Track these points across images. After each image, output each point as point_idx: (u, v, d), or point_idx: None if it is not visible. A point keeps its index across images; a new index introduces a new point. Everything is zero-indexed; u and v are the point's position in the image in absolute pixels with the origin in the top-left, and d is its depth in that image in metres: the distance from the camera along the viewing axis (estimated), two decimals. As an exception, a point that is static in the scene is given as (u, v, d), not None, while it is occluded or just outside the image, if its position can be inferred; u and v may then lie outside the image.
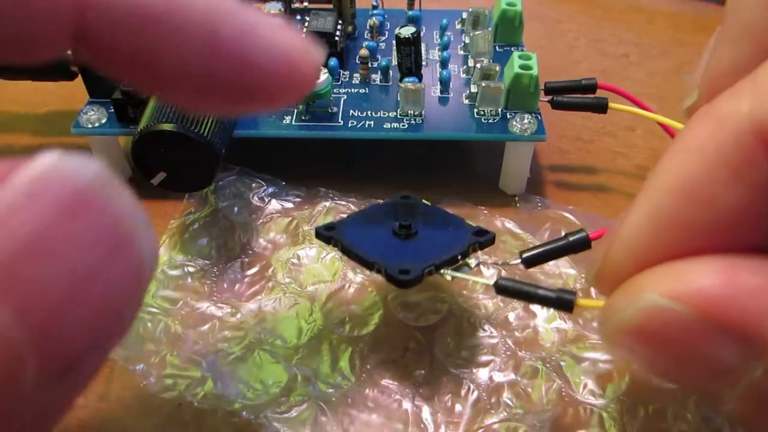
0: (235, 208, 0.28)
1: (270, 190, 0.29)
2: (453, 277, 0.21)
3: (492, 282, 0.18)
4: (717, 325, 0.13)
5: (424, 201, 0.24)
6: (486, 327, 0.24)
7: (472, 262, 0.21)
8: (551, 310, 0.24)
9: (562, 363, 0.23)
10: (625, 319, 0.14)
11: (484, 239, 0.22)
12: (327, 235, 0.22)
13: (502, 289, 0.18)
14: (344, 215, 0.28)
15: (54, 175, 0.10)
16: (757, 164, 0.13)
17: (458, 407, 0.21)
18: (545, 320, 0.24)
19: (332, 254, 0.26)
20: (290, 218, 0.28)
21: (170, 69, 0.13)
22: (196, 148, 0.24)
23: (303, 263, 0.26)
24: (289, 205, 0.28)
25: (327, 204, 0.28)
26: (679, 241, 0.14)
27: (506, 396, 0.22)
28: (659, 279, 0.14)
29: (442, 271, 0.21)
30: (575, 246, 0.19)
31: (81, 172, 0.11)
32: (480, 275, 0.24)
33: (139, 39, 0.13)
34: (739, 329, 0.13)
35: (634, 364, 0.16)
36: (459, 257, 0.21)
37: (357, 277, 0.25)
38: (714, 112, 0.14)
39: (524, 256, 0.20)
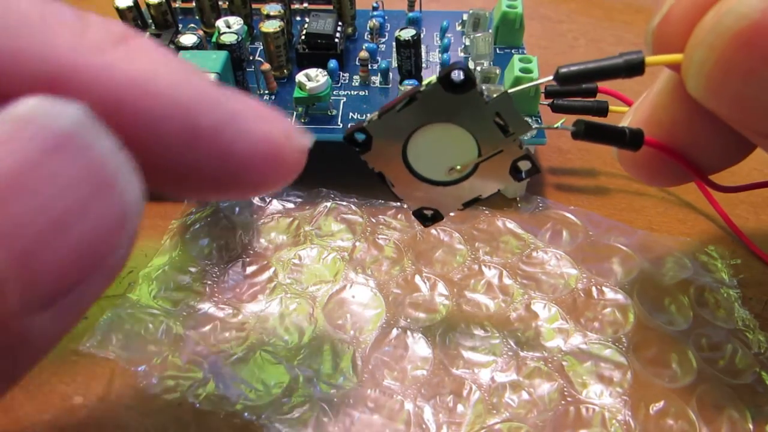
0: (236, 209, 0.28)
1: (271, 190, 0.29)
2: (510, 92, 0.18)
3: (551, 78, 0.18)
4: None
5: None
6: (488, 327, 0.24)
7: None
8: (552, 309, 0.24)
9: (564, 363, 0.23)
10: (742, 15, 0.14)
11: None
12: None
13: (564, 78, 0.17)
14: (347, 215, 0.28)
15: (34, 117, 0.11)
16: None
17: (460, 408, 0.21)
18: (547, 320, 0.24)
19: (333, 254, 0.26)
20: (291, 218, 0.28)
21: (148, 157, 0.13)
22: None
23: (304, 264, 0.26)
24: (290, 205, 0.28)
25: (328, 204, 0.28)
26: None
27: (508, 396, 0.22)
28: None
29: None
30: (629, 67, 0.17)
31: (62, 114, 0.11)
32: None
33: (116, 125, 0.12)
34: None
35: (721, 98, 0.16)
36: None
37: (359, 278, 0.25)
38: None
39: (560, 71, 0.17)
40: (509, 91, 0.18)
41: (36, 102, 0.11)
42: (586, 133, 0.19)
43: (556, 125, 0.19)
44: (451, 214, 0.21)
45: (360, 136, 0.19)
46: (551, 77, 0.18)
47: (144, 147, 0.13)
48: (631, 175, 0.23)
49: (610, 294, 0.25)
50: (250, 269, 0.26)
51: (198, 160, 0.14)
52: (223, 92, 0.14)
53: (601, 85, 0.29)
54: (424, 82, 0.18)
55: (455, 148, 0.19)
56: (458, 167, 0.19)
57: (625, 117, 0.22)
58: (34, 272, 0.10)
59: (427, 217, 0.21)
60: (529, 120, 0.18)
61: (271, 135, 0.15)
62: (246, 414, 0.21)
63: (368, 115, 0.19)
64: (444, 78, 0.17)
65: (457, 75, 0.17)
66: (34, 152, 0.11)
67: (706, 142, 0.21)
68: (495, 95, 0.18)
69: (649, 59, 0.17)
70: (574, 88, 0.29)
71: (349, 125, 0.28)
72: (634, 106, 0.22)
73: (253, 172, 0.14)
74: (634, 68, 0.17)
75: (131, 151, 0.12)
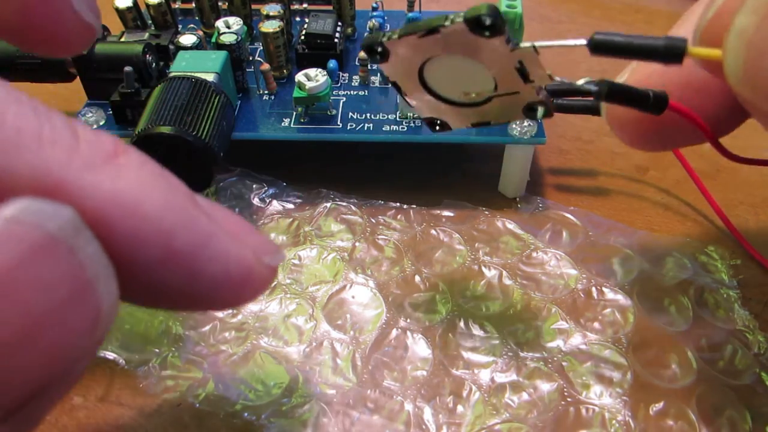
0: (236, 210, 0.28)
1: (271, 191, 0.29)
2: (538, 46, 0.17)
3: (584, 42, 0.16)
4: None
5: None
6: (488, 328, 0.24)
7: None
8: (552, 310, 0.24)
9: (564, 363, 0.23)
10: None
11: None
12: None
13: (598, 45, 0.16)
14: (347, 216, 0.28)
15: (24, 218, 0.11)
16: None
17: (460, 408, 0.21)
18: (547, 321, 0.24)
19: (333, 255, 0.26)
20: (291, 219, 0.28)
21: (122, 270, 0.13)
22: (193, 151, 0.24)
23: (304, 264, 0.26)
24: (290, 206, 0.28)
25: (328, 205, 0.28)
26: None
27: (508, 397, 0.22)
28: None
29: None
30: (668, 52, 0.16)
31: (52, 216, 0.11)
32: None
33: (99, 237, 0.12)
34: None
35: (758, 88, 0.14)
36: None
37: (358, 278, 0.25)
38: None
39: (595, 37, 0.16)
40: (536, 44, 0.17)
41: (26, 203, 0.11)
42: (609, 94, 0.18)
43: (579, 82, 0.18)
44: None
45: (379, 48, 0.19)
46: (584, 41, 0.16)
47: (120, 260, 0.13)
48: (616, 134, 0.22)
49: (610, 294, 0.25)
50: (249, 269, 0.26)
51: (171, 279, 0.14)
52: (201, 211, 0.14)
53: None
54: (450, 17, 0.17)
55: (472, 78, 0.19)
56: (473, 94, 0.19)
57: (620, 74, 0.21)
58: None
59: (437, 123, 0.21)
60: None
61: (243, 258, 0.15)
62: (246, 414, 0.21)
63: (389, 31, 0.18)
64: (471, 21, 0.16)
65: (486, 20, 0.16)
66: (19, 254, 0.11)
67: (713, 103, 0.19)
68: (522, 46, 0.17)
69: (692, 50, 0.15)
70: (574, 87, 0.29)
71: (348, 125, 0.28)
72: (632, 65, 0.21)
73: (222, 293, 0.15)
74: (673, 54, 0.15)
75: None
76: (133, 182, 0.13)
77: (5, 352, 0.10)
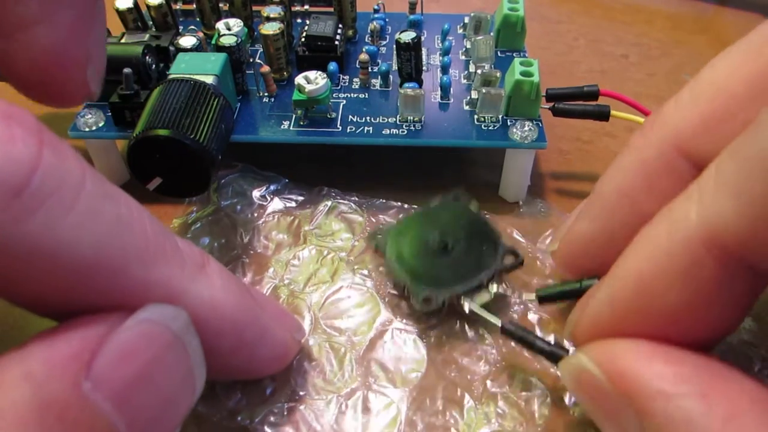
0: (238, 207, 0.28)
1: (272, 187, 0.29)
2: (469, 311, 0.23)
3: (498, 324, 0.22)
4: (620, 393, 0.16)
5: (471, 205, 0.27)
6: (483, 334, 0.24)
7: (493, 288, 0.24)
8: (547, 317, 0.24)
9: (558, 373, 0.22)
10: (569, 370, 0.19)
11: (512, 264, 0.24)
12: (373, 243, 0.26)
13: (506, 332, 0.21)
14: (347, 215, 0.28)
15: (158, 320, 0.15)
16: (702, 268, 0.15)
17: (451, 413, 0.21)
18: (542, 328, 0.24)
19: (332, 255, 0.26)
20: (292, 217, 0.28)
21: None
22: (191, 154, 0.24)
23: (302, 264, 0.26)
24: (292, 203, 0.28)
25: (329, 203, 0.28)
26: (627, 324, 0.17)
27: (500, 406, 0.22)
28: (596, 348, 0.18)
29: (462, 301, 0.23)
30: (551, 355, 0.21)
31: (176, 319, 0.15)
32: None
33: None
34: (634, 402, 0.16)
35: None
36: (483, 282, 0.23)
37: (356, 279, 0.25)
38: (670, 216, 0.16)
39: (504, 326, 0.22)
40: (466, 307, 0.23)
41: (158, 308, 0.15)
42: (505, 333, 0.22)
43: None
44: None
45: None
46: (499, 326, 0.22)
47: (204, 348, 0.17)
48: None
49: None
50: (249, 270, 0.26)
51: (236, 361, 0.19)
52: (258, 305, 0.19)
53: (603, 88, 0.29)
54: (405, 289, 0.24)
55: None
56: None
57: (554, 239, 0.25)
58: None
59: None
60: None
61: (284, 340, 0.20)
62: (239, 417, 0.21)
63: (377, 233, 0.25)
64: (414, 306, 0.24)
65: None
66: (156, 350, 0.14)
67: None
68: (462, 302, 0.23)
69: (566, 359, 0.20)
70: (577, 92, 0.29)
71: (348, 128, 0.28)
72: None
73: (268, 368, 0.21)
74: (553, 359, 0.20)
75: None
76: (219, 290, 0.17)
77: (150, 424, 0.14)
